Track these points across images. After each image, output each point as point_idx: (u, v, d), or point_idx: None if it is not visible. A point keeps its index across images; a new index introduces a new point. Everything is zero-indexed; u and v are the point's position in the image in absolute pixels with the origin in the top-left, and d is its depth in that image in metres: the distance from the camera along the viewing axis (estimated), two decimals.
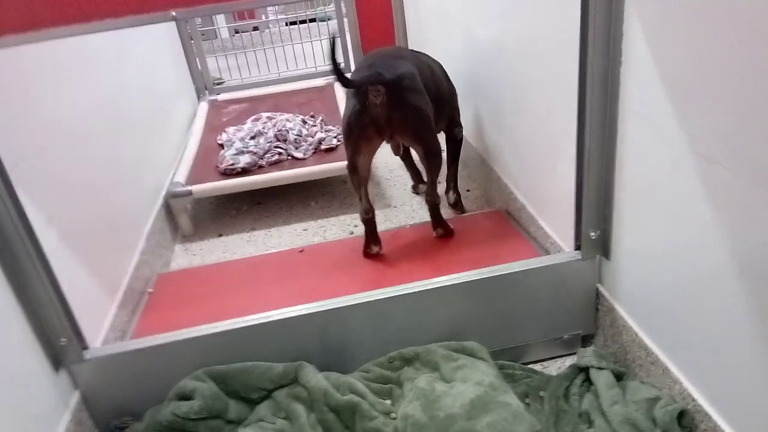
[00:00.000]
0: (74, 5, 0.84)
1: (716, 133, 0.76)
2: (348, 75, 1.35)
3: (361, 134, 1.41)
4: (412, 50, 1.66)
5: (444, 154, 1.58)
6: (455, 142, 1.77)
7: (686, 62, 0.80)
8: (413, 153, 1.86)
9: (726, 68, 0.72)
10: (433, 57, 1.73)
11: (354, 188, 1.50)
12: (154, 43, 2.32)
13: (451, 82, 1.74)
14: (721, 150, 0.76)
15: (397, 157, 1.93)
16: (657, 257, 0.97)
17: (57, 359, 1.07)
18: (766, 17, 0.65)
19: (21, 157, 1.08)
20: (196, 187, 1.90)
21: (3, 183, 0.95)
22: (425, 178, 1.61)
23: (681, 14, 0.79)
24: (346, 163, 1.47)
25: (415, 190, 2.00)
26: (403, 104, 1.38)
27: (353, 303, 1.13)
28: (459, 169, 1.77)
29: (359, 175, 1.46)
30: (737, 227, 0.76)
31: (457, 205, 1.77)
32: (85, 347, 1.09)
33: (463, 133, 1.76)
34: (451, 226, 1.56)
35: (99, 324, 1.27)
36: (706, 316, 0.87)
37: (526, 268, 1.15)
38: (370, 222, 1.51)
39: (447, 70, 1.73)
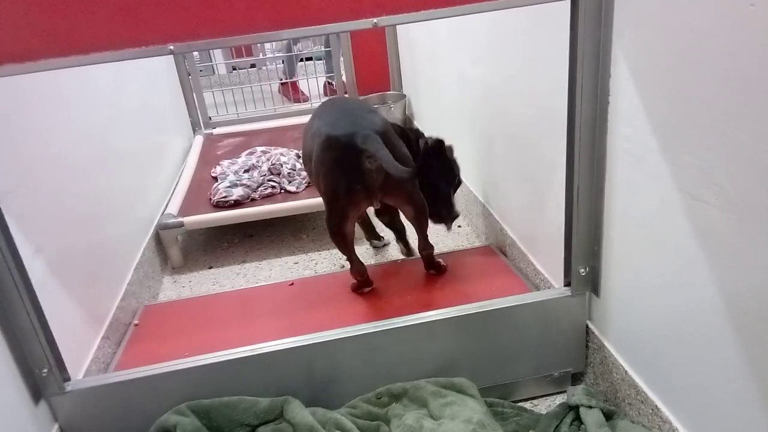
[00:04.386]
0: (71, 37, 0.84)
1: (702, 171, 0.77)
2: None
3: (350, 201, 1.31)
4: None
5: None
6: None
7: (672, 101, 0.82)
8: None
9: (710, 107, 0.74)
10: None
11: (341, 251, 1.42)
12: (151, 76, 2.36)
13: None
14: (706, 187, 0.77)
15: None
16: (645, 294, 0.97)
17: (37, 390, 1.04)
18: (747, 57, 0.67)
19: (11, 185, 1.08)
20: (187, 219, 1.90)
21: None
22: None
23: (666, 55, 0.81)
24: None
25: (377, 242, 1.86)
26: None
27: (341, 336, 1.12)
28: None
29: (347, 240, 1.38)
30: (723, 264, 0.77)
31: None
32: (66, 378, 1.07)
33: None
34: (444, 263, 1.54)
35: (82, 355, 1.25)
36: (694, 354, 0.86)
37: (516, 303, 1.14)
38: (363, 282, 1.46)
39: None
